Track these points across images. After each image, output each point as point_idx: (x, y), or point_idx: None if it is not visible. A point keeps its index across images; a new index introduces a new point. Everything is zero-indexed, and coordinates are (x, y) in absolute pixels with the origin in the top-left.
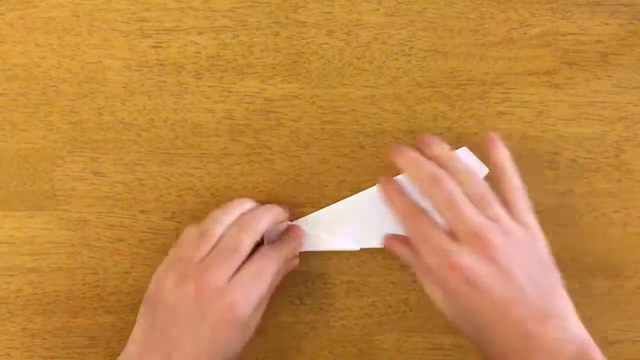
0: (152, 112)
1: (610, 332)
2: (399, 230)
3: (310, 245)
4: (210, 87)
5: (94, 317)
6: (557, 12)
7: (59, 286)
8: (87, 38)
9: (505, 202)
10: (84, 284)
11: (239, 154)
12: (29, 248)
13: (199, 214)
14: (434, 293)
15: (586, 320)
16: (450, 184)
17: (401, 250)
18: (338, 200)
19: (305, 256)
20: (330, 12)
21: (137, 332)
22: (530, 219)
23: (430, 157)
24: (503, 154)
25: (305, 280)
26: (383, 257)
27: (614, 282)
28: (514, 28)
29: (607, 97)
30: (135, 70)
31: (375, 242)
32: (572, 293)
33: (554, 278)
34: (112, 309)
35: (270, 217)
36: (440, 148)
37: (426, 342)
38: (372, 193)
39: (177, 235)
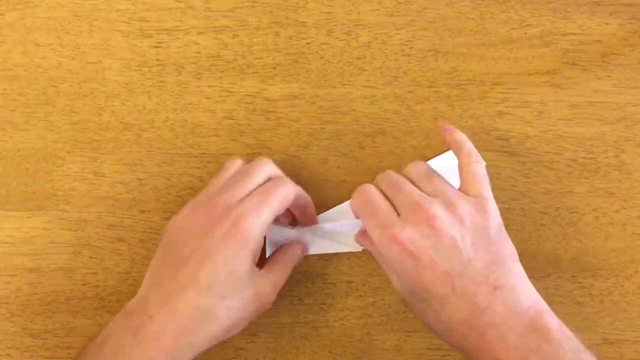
0: (152, 112)
1: (610, 332)
2: None
3: (313, 249)
4: (210, 87)
5: (94, 317)
6: (557, 12)
7: (59, 286)
8: (87, 38)
9: (461, 175)
10: (84, 284)
11: (239, 154)
12: (29, 248)
13: None
14: (390, 275)
15: (586, 320)
16: (392, 172)
17: (365, 242)
18: (338, 201)
19: (305, 257)
20: (330, 12)
21: (151, 264)
22: (485, 190)
23: None
24: (460, 135)
25: (305, 280)
26: None
27: (614, 282)
28: (514, 28)
29: (607, 97)
30: (135, 70)
31: None
32: (572, 293)
33: (503, 248)
34: (112, 309)
35: (277, 168)
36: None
37: (426, 342)
38: None
39: None
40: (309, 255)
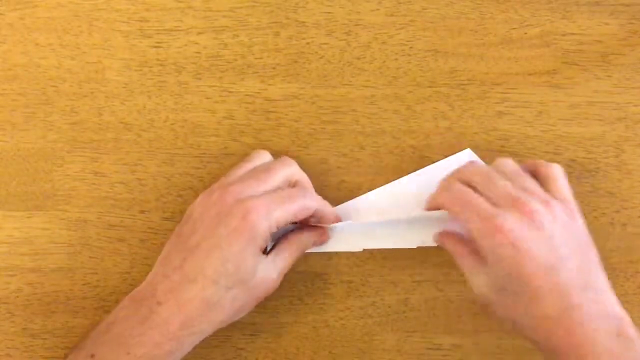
0: (152, 112)
1: None
2: (400, 230)
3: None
4: (210, 87)
5: (94, 317)
6: (557, 12)
7: (59, 286)
8: (87, 38)
9: (543, 180)
10: (84, 284)
11: (239, 154)
12: (29, 248)
13: None
14: (474, 270)
15: None
16: (480, 165)
17: (449, 242)
18: (338, 201)
19: (305, 256)
20: (330, 12)
21: (165, 247)
22: (568, 194)
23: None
24: (530, 161)
25: (305, 280)
26: (383, 257)
27: (614, 282)
28: (514, 28)
29: (607, 97)
30: (135, 70)
31: (376, 243)
32: None
33: (591, 252)
34: (112, 309)
35: (301, 171)
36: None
37: (426, 342)
38: (373, 196)
39: None
40: (309, 255)
